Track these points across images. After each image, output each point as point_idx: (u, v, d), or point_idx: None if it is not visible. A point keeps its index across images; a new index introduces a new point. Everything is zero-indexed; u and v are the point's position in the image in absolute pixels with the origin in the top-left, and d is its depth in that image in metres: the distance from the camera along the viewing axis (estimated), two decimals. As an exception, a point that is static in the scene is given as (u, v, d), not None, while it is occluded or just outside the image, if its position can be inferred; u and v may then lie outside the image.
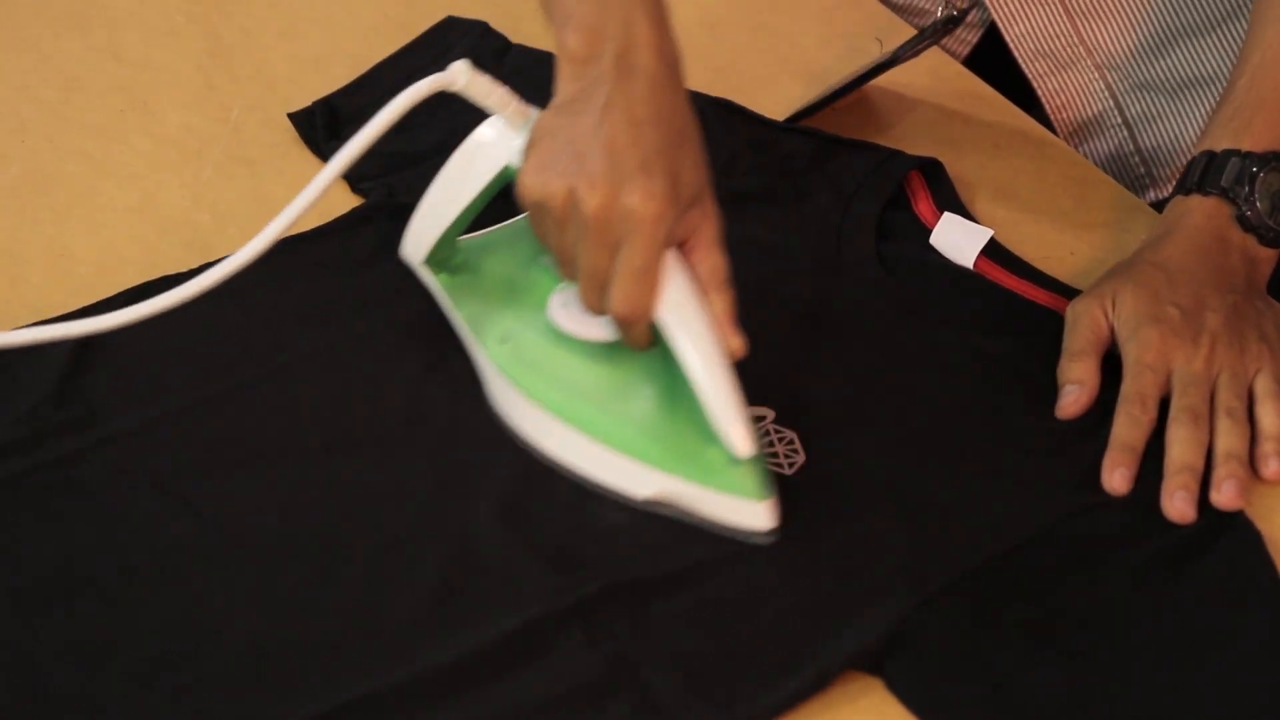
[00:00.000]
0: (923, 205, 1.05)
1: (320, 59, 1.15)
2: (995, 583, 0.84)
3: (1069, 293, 0.99)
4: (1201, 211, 0.98)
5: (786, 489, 0.87)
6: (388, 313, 0.96)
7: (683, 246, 0.85)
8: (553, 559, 0.84)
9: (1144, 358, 0.93)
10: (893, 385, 0.95)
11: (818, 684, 0.80)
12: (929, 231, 1.03)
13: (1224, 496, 0.89)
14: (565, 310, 0.88)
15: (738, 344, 0.85)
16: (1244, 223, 0.97)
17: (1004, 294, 1.01)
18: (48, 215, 1.02)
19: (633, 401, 0.88)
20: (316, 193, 0.86)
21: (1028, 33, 1.19)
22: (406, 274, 0.98)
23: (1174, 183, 1.15)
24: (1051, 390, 0.94)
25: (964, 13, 1.17)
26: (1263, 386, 0.93)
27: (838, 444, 0.90)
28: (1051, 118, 1.20)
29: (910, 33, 1.20)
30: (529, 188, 0.84)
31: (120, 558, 0.83)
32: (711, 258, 0.85)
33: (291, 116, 1.09)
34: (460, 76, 0.86)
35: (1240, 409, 0.92)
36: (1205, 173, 0.98)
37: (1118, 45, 1.18)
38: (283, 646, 0.80)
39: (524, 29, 1.17)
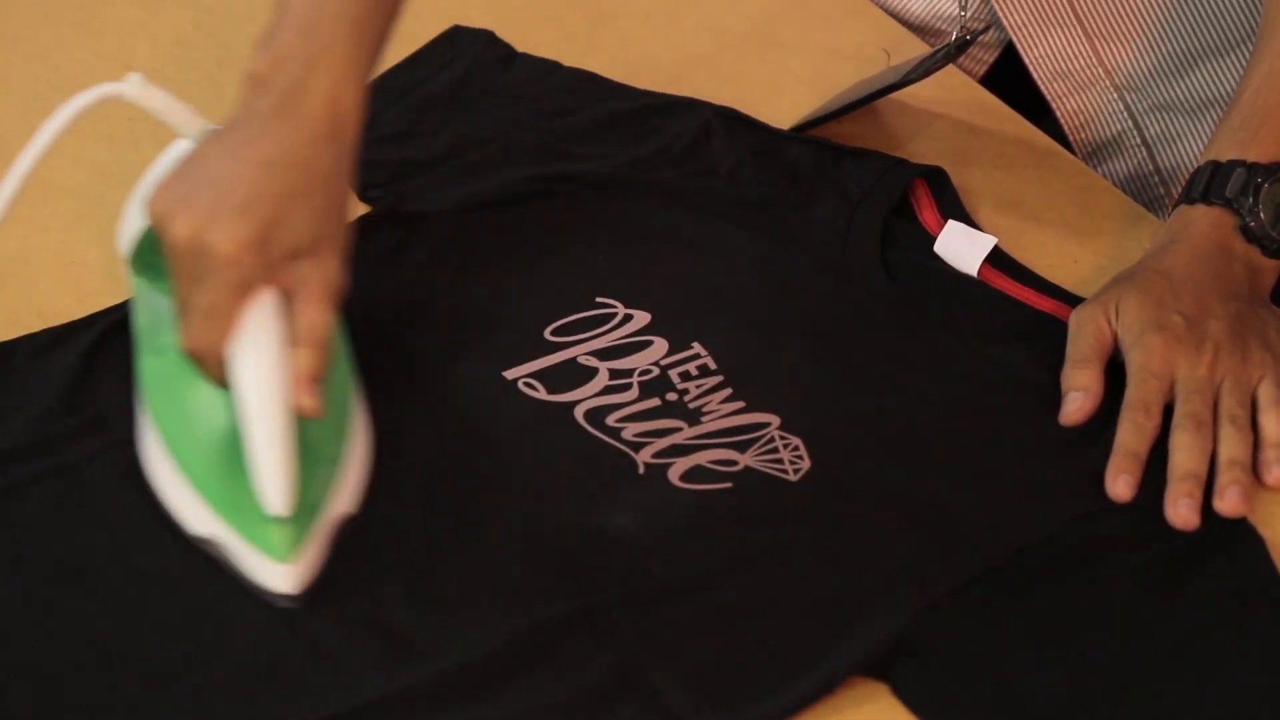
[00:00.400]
0: (927, 213, 1.06)
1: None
2: (1000, 588, 0.84)
3: (1073, 300, 1.00)
4: (1206, 221, 0.98)
5: (791, 494, 0.88)
6: (395, 319, 0.97)
7: (289, 293, 0.83)
8: (561, 564, 0.84)
9: (1148, 364, 0.93)
10: (897, 391, 0.95)
11: (824, 688, 0.80)
12: (933, 239, 1.04)
13: (1227, 503, 0.89)
14: None
15: (309, 404, 0.82)
16: (1247, 233, 0.98)
17: (1008, 301, 1.01)
18: (56, 222, 1.03)
19: (217, 438, 0.85)
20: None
21: (1047, 54, 1.19)
22: (413, 281, 0.99)
23: None
24: (1055, 396, 0.94)
25: (976, 35, 1.18)
26: (1266, 394, 0.93)
27: (842, 450, 0.91)
28: (1070, 138, 1.20)
29: (919, 46, 1.21)
30: (150, 206, 0.83)
31: (130, 561, 0.83)
32: (310, 313, 0.83)
33: (299, 125, 1.09)
34: (131, 88, 0.86)
35: (1243, 416, 0.92)
36: (1210, 183, 0.99)
37: (1137, 66, 1.18)
38: (290, 650, 0.80)
39: (529, 38, 1.17)
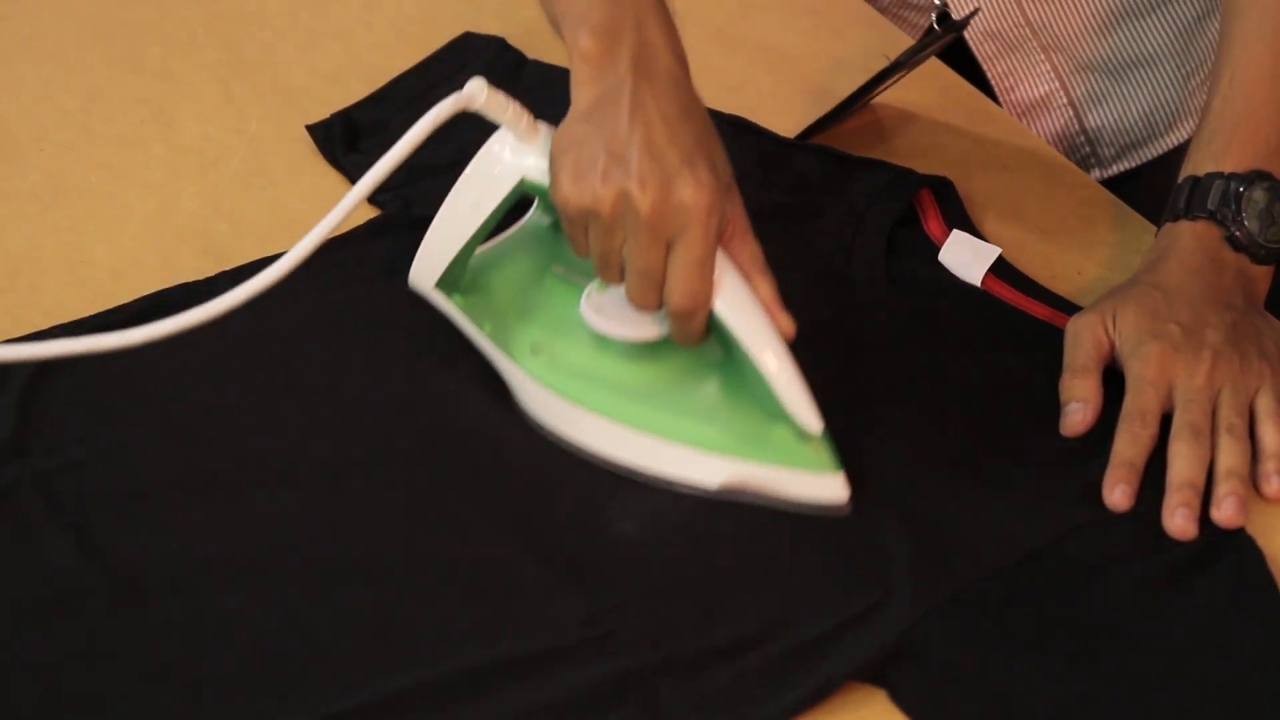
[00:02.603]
0: (932, 223, 1.06)
1: (338, 73, 1.16)
2: (998, 596, 0.85)
3: (1075, 311, 1.00)
4: (1192, 235, 0.99)
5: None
6: (402, 324, 0.97)
7: (722, 235, 0.86)
8: (562, 568, 0.85)
9: (1145, 373, 0.93)
10: (900, 399, 0.95)
11: (821, 692, 0.80)
12: (938, 249, 1.04)
13: (1224, 514, 0.89)
14: (602, 313, 0.89)
15: (788, 325, 0.87)
16: (1234, 243, 0.98)
17: (1011, 311, 1.01)
18: (67, 222, 1.03)
19: (688, 394, 0.90)
20: (340, 216, 0.87)
21: (977, 15, 1.20)
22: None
23: (1118, 162, 1.16)
24: (1057, 406, 0.94)
25: (965, 20, 1.18)
26: (1264, 405, 0.94)
27: (846, 456, 0.91)
28: (1000, 99, 1.22)
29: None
30: (571, 196, 0.85)
31: (130, 563, 0.83)
32: (749, 244, 0.87)
33: (310, 128, 1.10)
34: (479, 94, 0.87)
35: (1241, 426, 0.93)
36: (1191, 198, 0.99)
37: (1063, 27, 1.20)
38: (290, 648, 0.81)
39: (539, 45, 1.17)
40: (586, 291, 0.90)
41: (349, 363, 0.95)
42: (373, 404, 0.92)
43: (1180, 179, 1.00)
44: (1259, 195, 0.98)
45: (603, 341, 0.89)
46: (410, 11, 1.23)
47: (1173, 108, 1.22)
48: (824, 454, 0.87)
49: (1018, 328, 1.00)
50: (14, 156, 1.08)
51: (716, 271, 0.85)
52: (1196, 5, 1.19)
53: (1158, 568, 0.87)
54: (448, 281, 0.95)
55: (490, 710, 0.78)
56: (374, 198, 1.04)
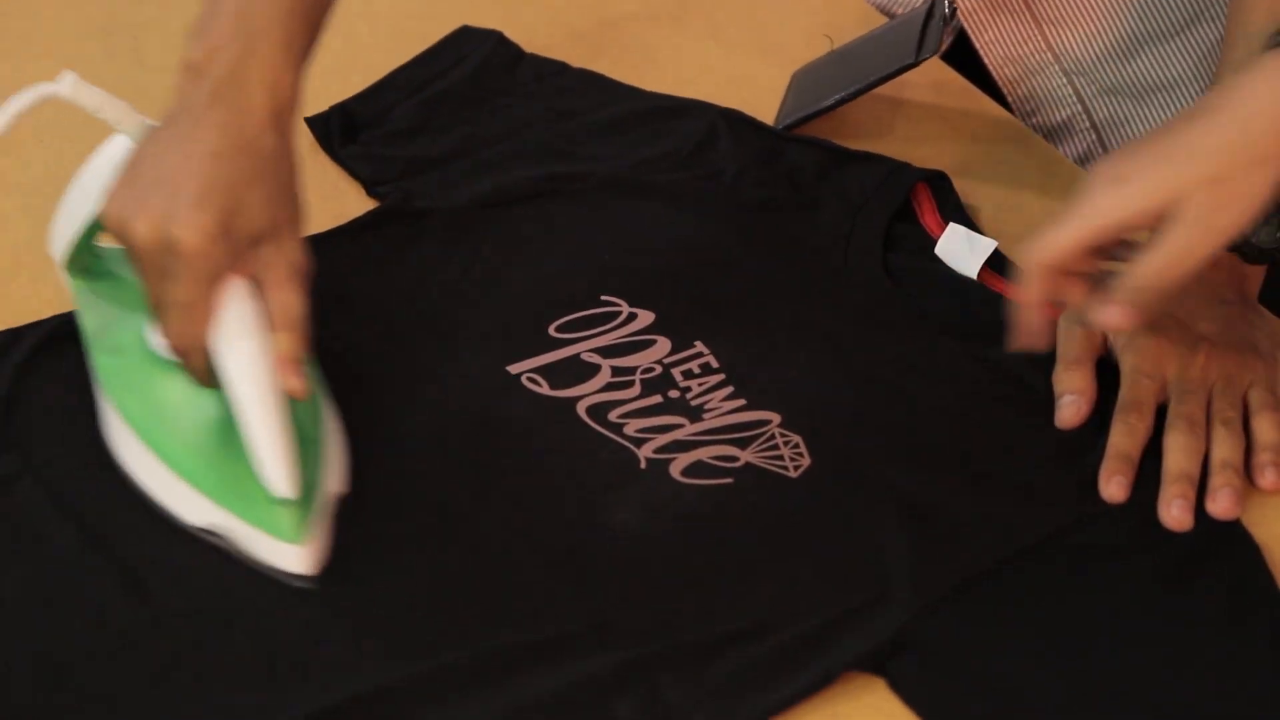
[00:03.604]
0: (928, 217, 1.07)
1: (337, 68, 1.16)
2: (998, 587, 0.85)
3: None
4: None
5: (792, 491, 0.89)
6: (401, 313, 0.97)
7: (258, 281, 0.83)
8: (562, 558, 0.85)
9: (1140, 365, 0.94)
10: (897, 392, 0.95)
11: (821, 683, 0.80)
12: (934, 242, 1.05)
13: (1220, 505, 0.90)
14: (157, 332, 0.87)
15: (297, 385, 0.83)
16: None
17: (1007, 304, 1.01)
18: (68, 215, 1.03)
19: (204, 429, 0.87)
20: None
21: (997, 39, 1.21)
22: (420, 278, 0.99)
23: None
24: (1052, 398, 0.95)
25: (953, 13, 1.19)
26: (1257, 398, 0.94)
27: (842, 449, 0.91)
28: (1022, 123, 1.22)
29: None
30: (105, 212, 0.83)
31: (132, 553, 0.84)
32: (282, 296, 0.83)
33: (308, 120, 1.10)
34: (65, 86, 0.86)
35: (1236, 418, 0.93)
36: None
37: (1084, 51, 1.20)
38: (290, 641, 0.81)
39: (537, 39, 1.18)
40: None
41: (347, 354, 0.95)
42: (370, 394, 0.93)
43: None
44: None
45: (158, 358, 0.87)
46: (408, 6, 1.23)
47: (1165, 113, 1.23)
48: (292, 522, 0.83)
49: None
50: (15, 150, 1.08)
51: (223, 314, 0.82)
52: (1219, 27, 1.19)
53: (1156, 560, 0.87)
54: (78, 265, 0.93)
55: (492, 701, 0.78)
56: (373, 191, 1.05)
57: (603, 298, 0.99)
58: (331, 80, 1.14)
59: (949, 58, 1.24)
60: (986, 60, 1.21)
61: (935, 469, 0.91)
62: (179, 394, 0.86)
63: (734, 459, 0.90)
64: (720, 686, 0.80)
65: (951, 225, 1.05)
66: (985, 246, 1.04)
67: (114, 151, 0.88)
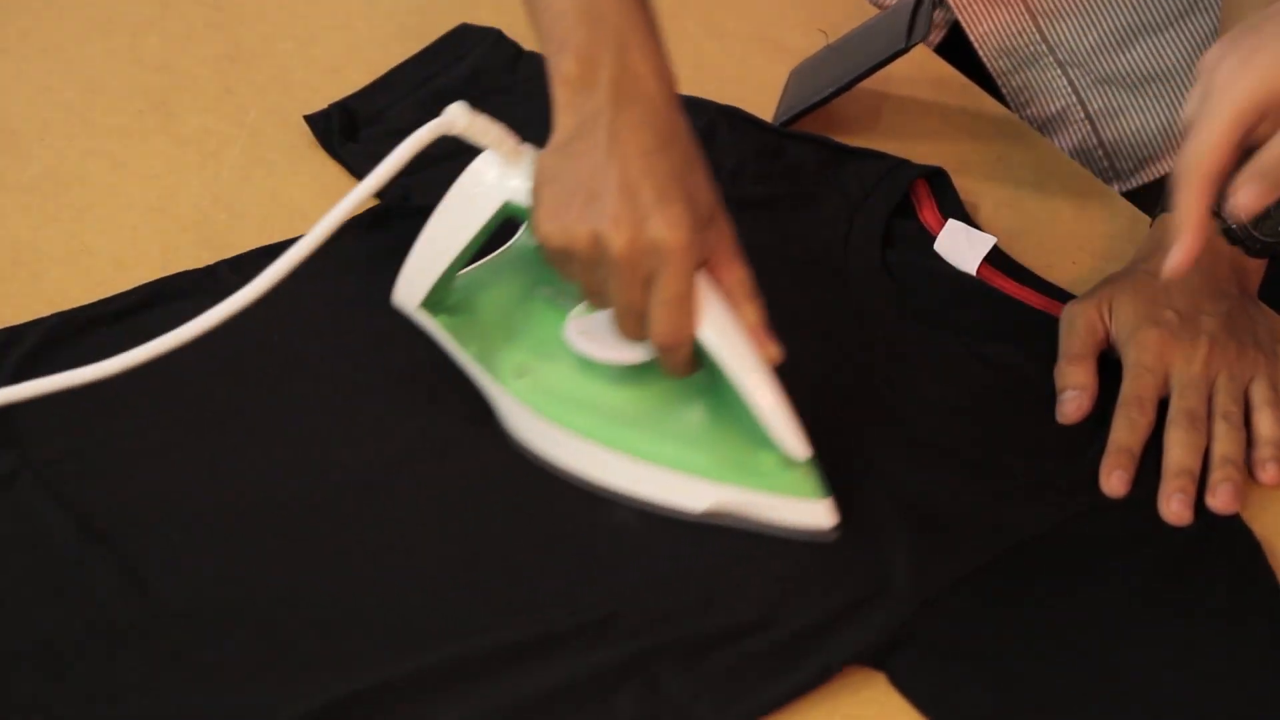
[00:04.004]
0: (928, 213, 1.07)
1: (337, 65, 1.16)
2: (998, 582, 0.85)
3: (1069, 300, 1.00)
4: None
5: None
6: (400, 315, 0.98)
7: (706, 263, 0.85)
8: (563, 554, 0.85)
9: (1142, 359, 0.94)
10: (897, 388, 0.96)
11: (821, 677, 0.81)
12: (934, 239, 1.05)
13: (1220, 501, 0.90)
14: (588, 336, 0.88)
15: (774, 351, 0.85)
16: (1230, 235, 0.98)
17: (1006, 300, 1.02)
18: (68, 212, 1.03)
19: (673, 419, 0.89)
20: (309, 248, 0.87)
21: (991, 31, 1.21)
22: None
23: (1137, 175, 1.16)
24: (1053, 394, 0.95)
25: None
26: (1259, 394, 0.94)
27: (843, 445, 0.91)
28: (1016, 114, 1.22)
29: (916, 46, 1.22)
30: (549, 235, 0.84)
31: (133, 548, 0.84)
32: (735, 270, 0.85)
33: (308, 118, 1.10)
34: (460, 119, 0.86)
35: (1237, 414, 0.93)
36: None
37: (1079, 42, 1.20)
38: (295, 633, 0.81)
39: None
40: (571, 314, 0.90)
41: (348, 351, 0.95)
42: (371, 391, 0.93)
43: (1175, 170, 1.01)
44: None
45: (587, 365, 0.89)
46: (408, 3, 1.24)
47: (1164, 113, 1.23)
48: (811, 480, 0.86)
49: (1013, 316, 1.01)
50: (15, 148, 1.08)
51: (701, 300, 0.84)
52: (1213, 18, 1.19)
53: (1155, 554, 0.88)
54: (432, 302, 0.94)
55: (492, 695, 0.79)
56: (373, 189, 1.05)
57: None
58: (331, 79, 1.14)
59: (943, 52, 1.24)
60: (981, 53, 1.21)
61: (935, 464, 0.91)
62: (628, 393, 0.89)
63: (735, 456, 0.90)
64: (720, 680, 0.80)
65: (950, 221, 1.05)
66: (984, 242, 1.04)
67: (478, 186, 0.89)
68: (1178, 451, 0.91)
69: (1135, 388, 0.93)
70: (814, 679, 0.81)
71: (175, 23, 1.20)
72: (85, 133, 1.10)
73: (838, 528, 0.86)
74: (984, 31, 1.21)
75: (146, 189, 1.06)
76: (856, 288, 1.02)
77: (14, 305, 0.96)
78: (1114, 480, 0.90)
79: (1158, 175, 1.23)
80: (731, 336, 0.84)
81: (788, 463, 0.86)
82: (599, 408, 0.89)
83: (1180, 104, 1.22)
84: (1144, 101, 1.21)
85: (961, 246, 1.04)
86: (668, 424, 0.89)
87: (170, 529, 0.85)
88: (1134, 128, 1.21)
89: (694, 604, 0.83)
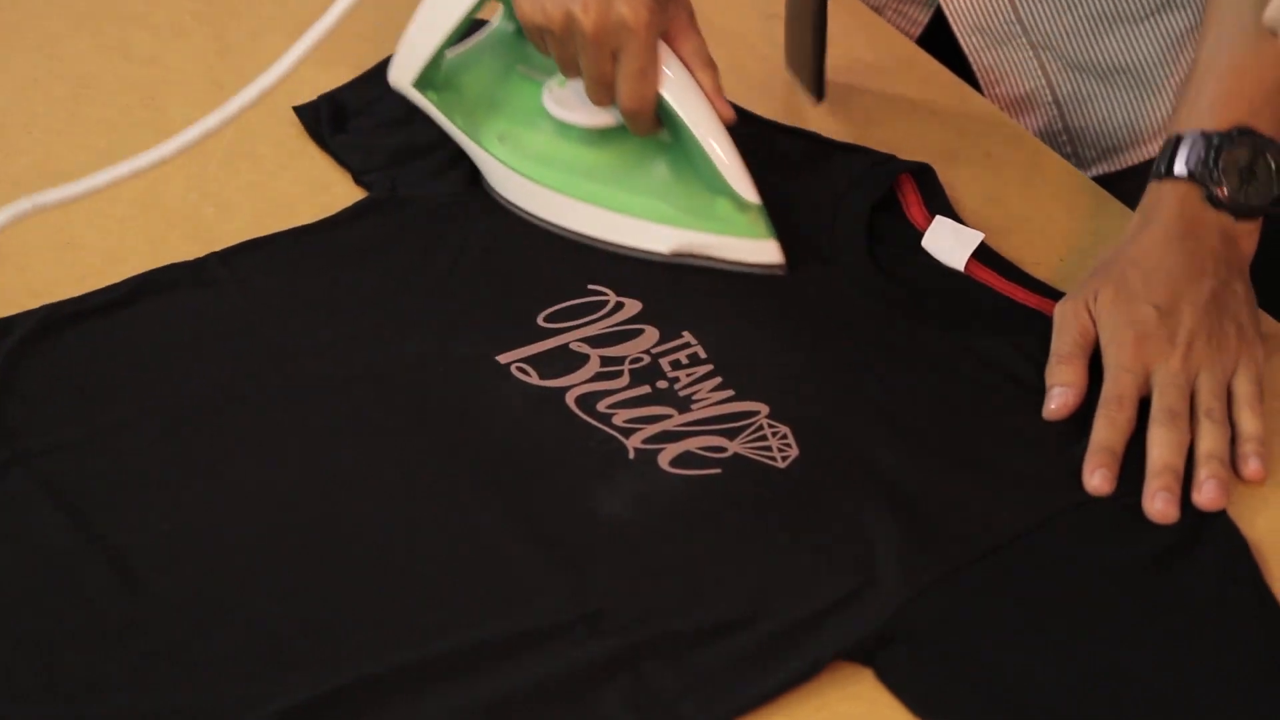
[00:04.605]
0: (914, 209, 1.07)
1: (325, 60, 1.16)
2: (986, 578, 0.85)
3: (1057, 296, 1.00)
4: (1174, 196, 0.99)
5: (780, 481, 0.89)
6: (389, 305, 0.98)
7: (666, 34, 0.97)
8: (550, 548, 0.85)
9: (1121, 360, 0.94)
10: (884, 383, 0.96)
11: (809, 672, 0.81)
12: (921, 234, 1.05)
13: (1205, 497, 0.90)
14: (563, 104, 1.02)
15: (727, 111, 1.00)
16: (1215, 201, 0.98)
17: (993, 296, 1.02)
18: (56, 206, 1.03)
19: (640, 174, 1.02)
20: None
21: (968, 9, 1.21)
22: (409, 267, 1.00)
23: (1100, 164, 1.18)
24: (1040, 390, 0.95)
25: None
26: (1241, 389, 0.94)
27: (830, 439, 0.92)
28: (985, 93, 1.22)
29: (903, 42, 1.23)
30: (528, 14, 0.97)
31: (124, 543, 0.84)
32: (692, 40, 0.99)
33: (297, 110, 1.10)
34: None
35: (1219, 409, 0.93)
36: (1171, 158, 0.99)
37: (1054, 25, 1.20)
38: (283, 628, 0.81)
39: (525, 31, 1.18)
40: (547, 85, 1.03)
41: (336, 343, 0.95)
42: (359, 384, 0.93)
43: (1164, 141, 1.01)
44: (1239, 152, 0.98)
45: (563, 129, 1.02)
46: (396, -1, 1.23)
47: (1159, 116, 1.23)
48: (761, 223, 1.00)
49: (1000, 312, 1.01)
50: (3, 142, 1.08)
51: (662, 67, 0.97)
52: (1189, 16, 1.20)
53: (1144, 550, 0.88)
54: (424, 80, 1.04)
55: (481, 689, 0.79)
56: (361, 180, 1.05)
57: (590, 286, 0.99)
58: (320, 70, 1.14)
59: (927, 39, 1.24)
60: (955, 28, 1.21)
61: (923, 460, 0.91)
62: (597, 153, 1.03)
63: (722, 449, 0.91)
64: (708, 675, 0.80)
65: (938, 218, 1.05)
66: (972, 238, 1.04)
67: None
68: (1160, 449, 0.91)
69: (1115, 388, 0.93)
70: (801, 674, 0.81)
71: (164, 18, 1.20)
72: (73, 127, 1.10)
73: (785, 266, 0.99)
74: (960, 7, 1.21)
75: (134, 183, 1.05)
76: (843, 281, 1.02)
77: (1, 298, 0.96)
78: (1096, 479, 0.90)
79: (1120, 167, 1.24)
80: (690, 99, 0.98)
81: (741, 207, 0.99)
82: (574, 166, 1.02)
83: (1150, 98, 1.22)
84: (1112, 92, 1.21)
85: (949, 243, 1.04)
86: (635, 179, 1.02)
87: (161, 523, 0.85)
88: (1100, 116, 1.22)
89: (681, 599, 0.83)
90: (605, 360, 0.95)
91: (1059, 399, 0.94)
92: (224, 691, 0.78)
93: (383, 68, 1.14)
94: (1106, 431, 0.92)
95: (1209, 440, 0.92)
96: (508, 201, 1.03)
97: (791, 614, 0.83)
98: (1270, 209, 0.99)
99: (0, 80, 1.13)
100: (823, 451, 0.91)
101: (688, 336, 0.97)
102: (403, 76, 1.04)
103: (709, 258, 1.00)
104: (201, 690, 0.78)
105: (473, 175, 1.06)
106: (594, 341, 0.96)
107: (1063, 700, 0.81)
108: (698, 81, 0.99)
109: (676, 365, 0.95)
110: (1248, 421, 0.94)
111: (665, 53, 0.97)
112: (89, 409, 0.90)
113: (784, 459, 0.90)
